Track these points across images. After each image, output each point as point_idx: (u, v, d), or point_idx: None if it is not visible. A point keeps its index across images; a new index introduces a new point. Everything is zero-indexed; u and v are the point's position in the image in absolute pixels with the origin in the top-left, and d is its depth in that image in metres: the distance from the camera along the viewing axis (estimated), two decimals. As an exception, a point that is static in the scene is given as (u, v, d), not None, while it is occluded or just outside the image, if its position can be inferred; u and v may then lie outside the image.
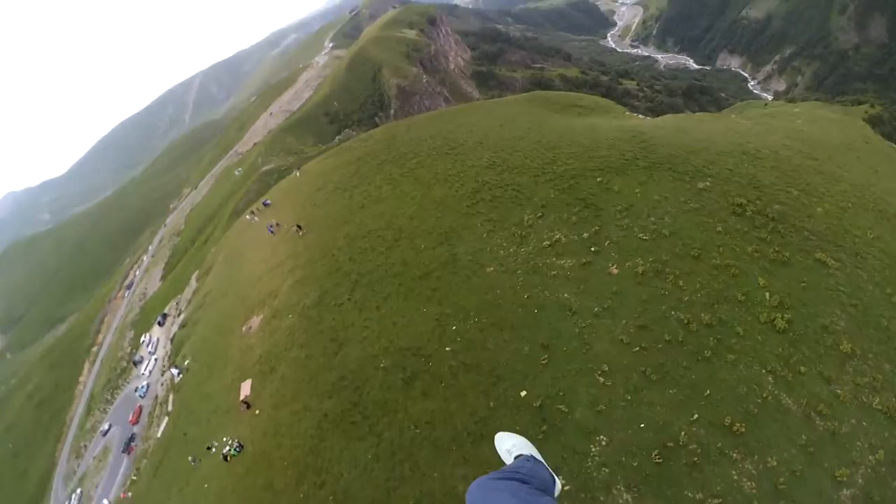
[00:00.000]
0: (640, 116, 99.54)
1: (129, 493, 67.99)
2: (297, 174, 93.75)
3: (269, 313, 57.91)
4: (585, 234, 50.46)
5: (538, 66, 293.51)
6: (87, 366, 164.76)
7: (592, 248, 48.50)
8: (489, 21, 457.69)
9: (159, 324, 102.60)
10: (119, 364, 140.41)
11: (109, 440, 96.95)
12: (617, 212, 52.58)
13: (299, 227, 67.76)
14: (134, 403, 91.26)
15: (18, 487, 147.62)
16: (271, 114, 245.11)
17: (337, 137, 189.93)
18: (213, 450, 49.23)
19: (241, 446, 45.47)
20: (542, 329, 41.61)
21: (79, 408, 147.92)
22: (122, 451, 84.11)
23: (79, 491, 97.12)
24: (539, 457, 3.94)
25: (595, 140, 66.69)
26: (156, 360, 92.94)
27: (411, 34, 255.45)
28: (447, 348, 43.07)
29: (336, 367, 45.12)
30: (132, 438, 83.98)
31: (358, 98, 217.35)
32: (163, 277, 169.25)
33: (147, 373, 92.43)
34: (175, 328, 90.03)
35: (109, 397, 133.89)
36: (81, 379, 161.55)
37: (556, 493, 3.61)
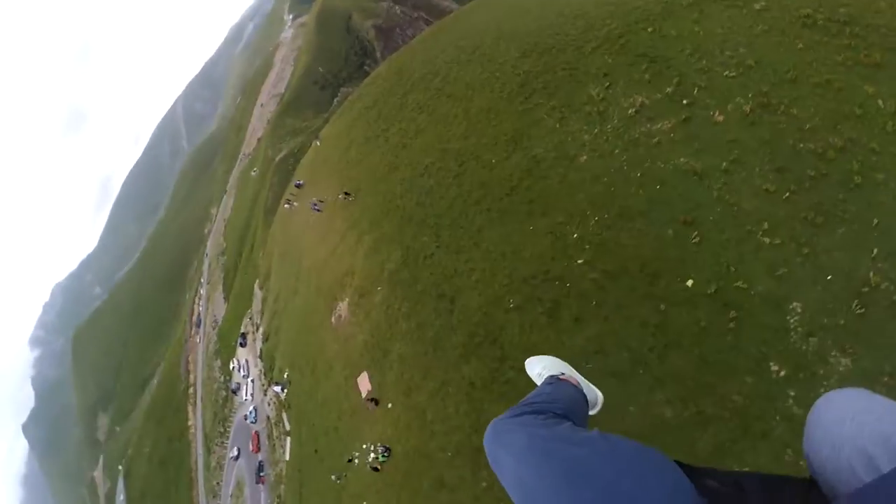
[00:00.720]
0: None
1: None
2: (318, 143, 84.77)
3: (353, 294, 49.96)
4: (668, 90, 40.69)
5: None
6: (189, 409, 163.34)
7: (684, 101, 38.89)
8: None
9: (241, 345, 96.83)
10: (219, 395, 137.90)
11: (240, 474, 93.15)
12: (688, 56, 42.53)
13: (347, 193, 58.81)
14: (249, 431, 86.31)
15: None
16: (262, 104, 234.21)
17: (335, 100, 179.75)
18: (356, 461, 42.07)
19: (387, 449, 38.06)
20: (676, 204, 32.77)
21: (198, 451, 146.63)
22: (256, 483, 79.34)
23: None
24: (570, 372, 3.59)
25: (622, -7, 56.54)
26: (252, 381, 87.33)
27: None
28: (579, 261, 34.28)
29: (459, 326, 36.88)
30: (261, 468, 79.04)
31: (339, 55, 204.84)
32: (226, 298, 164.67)
33: (249, 397, 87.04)
34: (259, 344, 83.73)
35: (222, 430, 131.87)
36: (190, 423, 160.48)
37: (596, 407, 3.43)
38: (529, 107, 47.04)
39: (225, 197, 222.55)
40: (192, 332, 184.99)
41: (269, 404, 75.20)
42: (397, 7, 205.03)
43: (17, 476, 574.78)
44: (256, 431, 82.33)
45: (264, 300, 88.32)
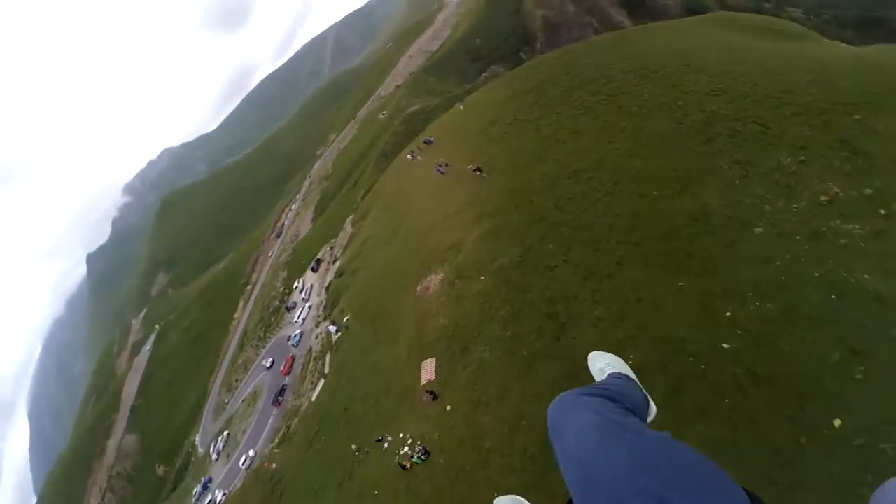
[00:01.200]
0: (843, 45, 76.76)
1: (276, 465, 59.30)
2: (461, 107, 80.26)
3: (451, 272, 45.00)
4: (868, 191, 33.75)
5: None
6: (241, 304, 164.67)
7: (882, 211, 32.04)
8: None
9: (313, 269, 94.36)
10: (272, 303, 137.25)
11: (261, 385, 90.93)
12: (894, 162, 35.38)
13: (479, 168, 53.76)
14: (286, 352, 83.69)
15: (171, 414, 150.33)
16: (410, 56, 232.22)
17: (483, 75, 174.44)
18: (387, 445, 37.37)
19: (426, 452, 33.14)
20: (847, 325, 26.15)
21: (232, 344, 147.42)
22: (272, 402, 76.58)
23: (226, 434, 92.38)
24: (633, 377, 3.44)
25: (825, 67, 48.95)
26: (309, 307, 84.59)
27: None
28: (725, 345, 27.95)
29: (560, 358, 31.31)
30: (282, 391, 76.22)
31: (500, 33, 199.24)
32: (313, 220, 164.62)
33: (300, 321, 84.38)
34: (331, 276, 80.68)
35: (262, 335, 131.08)
36: (236, 316, 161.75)
37: (651, 416, 3.18)
38: (710, 151, 40.81)
39: (346, 128, 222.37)
40: (271, 237, 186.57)
41: (316, 337, 71.89)
42: (571, 6, 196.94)
43: (65, 295, 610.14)
44: (293, 356, 79.54)
45: (352, 237, 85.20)
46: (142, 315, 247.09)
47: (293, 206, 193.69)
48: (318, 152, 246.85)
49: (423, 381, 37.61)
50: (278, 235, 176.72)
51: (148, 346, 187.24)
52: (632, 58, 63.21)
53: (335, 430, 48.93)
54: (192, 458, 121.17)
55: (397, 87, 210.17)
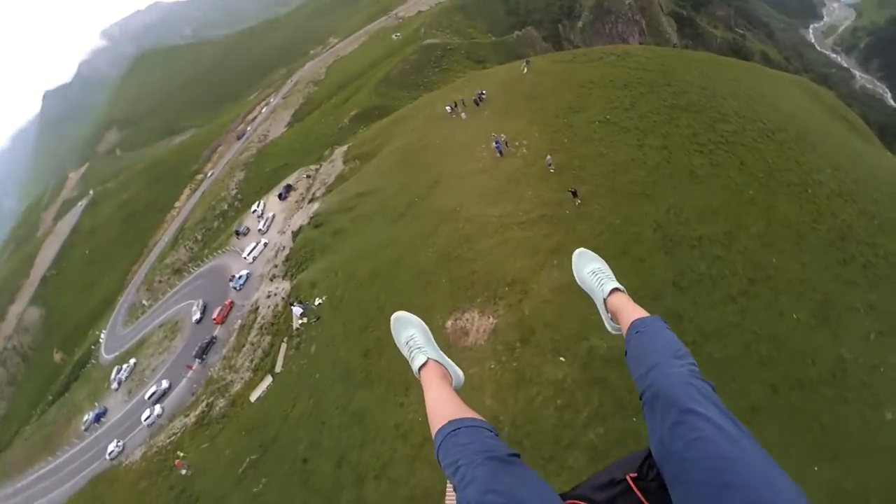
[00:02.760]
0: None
1: (186, 469, 42.63)
2: (525, 70, 61.68)
3: (510, 325, 27.85)
4: None
5: (740, 31, 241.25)
6: (186, 192, 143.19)
7: None
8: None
9: (280, 196, 74.46)
10: (219, 205, 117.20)
11: (182, 315, 72.63)
12: None
13: (575, 193, 35.07)
14: (223, 291, 65.34)
15: (82, 297, 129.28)
16: None
17: (515, 33, 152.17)
18: None
19: None
20: None
21: (165, 236, 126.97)
22: (193, 355, 58.69)
23: (132, 362, 74.35)
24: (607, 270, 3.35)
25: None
26: (265, 245, 65.57)
27: None
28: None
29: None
30: (209, 345, 58.28)
31: None
32: (289, 125, 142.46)
33: (250, 258, 65.27)
34: (303, 219, 61.32)
35: (200, 240, 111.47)
36: (177, 205, 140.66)
37: None
38: (847, 278, 28.98)
39: (353, 37, 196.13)
40: (238, 126, 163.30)
41: (268, 296, 53.51)
42: None
43: (12, 127, 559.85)
44: (232, 302, 61.22)
45: (341, 177, 65.94)
46: (82, 170, 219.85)
47: (271, 101, 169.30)
48: (313, 52, 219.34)
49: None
50: (242, 134, 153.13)
51: (78, 210, 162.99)
52: (740, 96, 49.33)
53: (284, 481, 32.13)
54: (92, 360, 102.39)
55: (420, 11, 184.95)
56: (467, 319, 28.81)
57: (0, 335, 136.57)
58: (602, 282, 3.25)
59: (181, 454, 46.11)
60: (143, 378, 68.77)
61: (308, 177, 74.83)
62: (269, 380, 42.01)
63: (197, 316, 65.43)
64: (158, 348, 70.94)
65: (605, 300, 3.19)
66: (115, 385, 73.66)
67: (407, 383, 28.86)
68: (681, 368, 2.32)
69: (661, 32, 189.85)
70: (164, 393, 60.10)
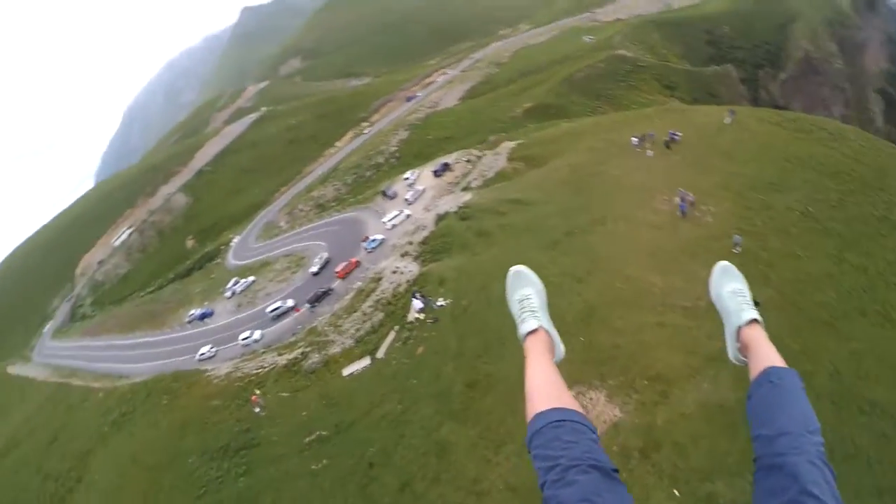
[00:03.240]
0: None
1: (260, 407, 41.82)
2: (727, 121, 55.18)
3: (638, 422, 24.06)
4: None
5: None
6: (349, 135, 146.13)
7: None
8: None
9: (435, 173, 72.66)
10: (375, 157, 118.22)
11: (309, 252, 73.29)
12: None
13: (756, 303, 30.08)
14: (352, 246, 64.74)
15: (229, 199, 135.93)
16: None
17: (713, 67, 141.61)
18: None
19: None
20: None
21: (318, 169, 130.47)
22: (307, 301, 58.38)
23: (251, 280, 76.18)
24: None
25: None
26: (407, 217, 63.98)
27: (843, 2, 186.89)
28: None
29: None
30: (324, 295, 57.76)
31: (752, 36, 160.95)
32: (462, 99, 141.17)
33: (390, 224, 63.94)
34: (450, 205, 58.91)
35: (349, 181, 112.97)
36: (338, 144, 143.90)
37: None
38: None
39: (544, 28, 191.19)
40: (413, 89, 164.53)
41: (394, 271, 51.73)
42: (839, 63, 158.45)
43: (206, 31, 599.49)
44: (358, 261, 60.32)
45: (501, 174, 62.81)
46: (261, 86, 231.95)
47: (449, 72, 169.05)
48: (502, 33, 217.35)
49: None
50: (412, 97, 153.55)
51: (247, 121, 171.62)
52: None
53: (344, 475, 30.05)
54: (218, 259, 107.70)
55: (618, 19, 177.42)
56: (589, 399, 24.89)
57: (145, 208, 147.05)
58: (742, 307, 2.99)
59: (258, 392, 45.68)
60: (256, 298, 70.21)
61: (468, 161, 72.45)
62: (366, 361, 40.07)
63: (314, 269, 65.32)
64: (279, 276, 72.12)
65: (739, 328, 2.89)
66: (228, 294, 76.05)
67: (502, 439, 25.77)
68: (811, 446, 2.21)
69: (866, 109, 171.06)
70: (286, 312, 60.45)
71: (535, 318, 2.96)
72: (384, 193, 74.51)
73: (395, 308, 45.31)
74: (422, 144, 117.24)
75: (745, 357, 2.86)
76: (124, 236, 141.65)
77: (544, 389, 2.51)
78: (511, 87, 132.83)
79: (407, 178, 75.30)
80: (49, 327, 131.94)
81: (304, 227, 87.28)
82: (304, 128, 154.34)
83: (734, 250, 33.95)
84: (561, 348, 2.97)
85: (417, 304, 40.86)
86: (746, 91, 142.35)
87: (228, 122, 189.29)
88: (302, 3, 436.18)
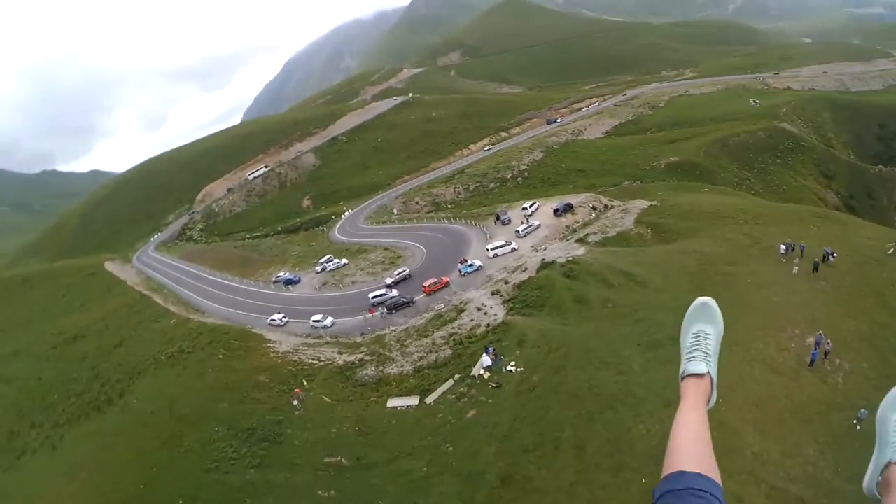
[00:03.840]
0: None
1: (299, 399, 39.36)
2: (891, 251, 46.33)
3: None
4: None
5: None
6: (485, 141, 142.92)
7: None
8: None
9: (555, 212, 67.34)
10: (504, 171, 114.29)
11: (410, 252, 71.05)
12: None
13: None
14: (446, 265, 61.21)
15: (353, 172, 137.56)
16: (825, 72, 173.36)
17: (879, 167, 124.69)
18: None
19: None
20: None
21: (445, 168, 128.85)
22: (386, 306, 55.63)
23: (343, 261, 75.15)
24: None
25: None
26: (512, 251, 59.43)
27: None
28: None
29: None
30: (404, 305, 54.85)
31: None
32: (607, 133, 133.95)
33: (492, 253, 59.62)
34: (561, 252, 53.81)
35: (471, 188, 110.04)
36: (472, 147, 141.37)
37: None
38: None
39: (707, 80, 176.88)
40: (557, 111, 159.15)
41: (479, 308, 47.59)
42: None
43: (378, 8, 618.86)
44: (448, 281, 56.71)
45: (623, 236, 56.58)
46: (416, 71, 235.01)
47: (602, 103, 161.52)
48: (665, 73, 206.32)
49: None
50: (552, 121, 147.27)
51: (392, 102, 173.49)
52: None
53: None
54: (324, 228, 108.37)
55: (789, 88, 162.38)
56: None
57: (277, 158, 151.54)
58: None
59: (306, 384, 43.46)
60: (342, 283, 68.80)
61: (594, 207, 66.87)
62: (414, 401, 36.64)
63: (389, 280, 62.62)
64: (371, 268, 70.45)
65: (889, 464, 2.53)
66: (319, 269, 75.60)
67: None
68: None
69: None
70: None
71: (706, 361, 2.75)
72: (498, 217, 70.49)
73: (464, 351, 41.39)
74: (553, 171, 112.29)
75: (881, 495, 2.49)
76: (252, 176, 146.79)
77: (694, 447, 2.33)
78: (660, 134, 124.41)
79: (525, 209, 70.62)
80: (156, 238, 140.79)
81: (412, 224, 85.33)
82: (443, 122, 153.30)
83: (855, 425, 27.43)
84: (714, 398, 2.72)
85: (487, 360, 36.61)
86: None
87: (376, 97, 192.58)
88: (476, 0, 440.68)
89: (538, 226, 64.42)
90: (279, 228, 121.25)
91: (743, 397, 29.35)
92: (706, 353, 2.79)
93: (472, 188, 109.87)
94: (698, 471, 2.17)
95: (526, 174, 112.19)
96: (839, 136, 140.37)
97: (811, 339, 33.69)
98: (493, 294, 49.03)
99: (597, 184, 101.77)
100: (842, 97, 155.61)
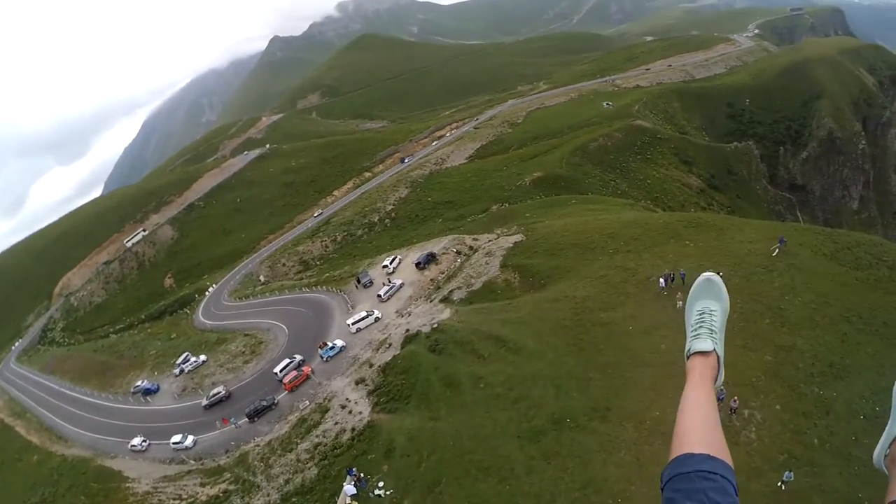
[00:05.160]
0: None
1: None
2: (775, 252, 45.19)
3: None
4: None
5: None
6: (349, 185, 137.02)
7: None
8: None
9: (417, 265, 62.16)
10: (370, 216, 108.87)
11: (267, 338, 63.97)
12: None
13: None
14: (309, 349, 54.54)
15: (214, 240, 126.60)
16: (670, 65, 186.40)
17: (734, 144, 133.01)
18: None
19: None
20: None
21: (311, 221, 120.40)
22: (246, 413, 48.48)
23: (202, 358, 67.65)
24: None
25: None
26: (375, 320, 53.96)
27: (868, 80, 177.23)
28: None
29: None
30: (266, 410, 48.01)
31: (774, 112, 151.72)
32: (470, 158, 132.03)
33: (353, 328, 53.58)
34: (424, 319, 48.82)
35: (338, 239, 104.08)
36: (336, 193, 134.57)
37: None
38: None
39: (561, 89, 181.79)
40: (423, 140, 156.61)
41: (344, 405, 41.73)
42: (863, 142, 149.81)
43: (234, 56, 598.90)
44: (311, 371, 50.24)
45: (490, 286, 52.43)
46: (275, 118, 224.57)
47: (463, 128, 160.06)
48: (520, 88, 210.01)
49: None
50: (406, 158, 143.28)
51: (249, 157, 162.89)
52: None
53: None
54: (188, 311, 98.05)
55: (638, 86, 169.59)
56: None
57: (132, 233, 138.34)
58: None
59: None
60: (202, 386, 60.66)
61: (458, 252, 62.35)
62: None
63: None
64: (231, 363, 62.56)
65: None
66: (176, 371, 67.20)
67: None
68: None
69: (887, 191, 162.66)
70: (220, 401, 54.26)
71: (711, 338, 2.71)
72: (358, 280, 64.33)
73: (330, 470, 35.49)
74: (420, 206, 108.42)
75: (888, 471, 2.46)
76: (104, 262, 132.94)
77: (702, 428, 2.29)
78: (522, 150, 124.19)
79: (386, 266, 64.93)
80: (17, 346, 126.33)
81: (274, 297, 77.79)
82: (304, 171, 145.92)
83: (780, 487, 24.42)
84: (722, 377, 2.70)
85: (350, 489, 30.88)
86: (766, 169, 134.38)
87: (236, 151, 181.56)
88: (328, 40, 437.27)
89: (401, 285, 59.05)
90: (143, 317, 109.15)
91: (647, 488, 25.44)
92: (712, 331, 2.70)
93: (339, 239, 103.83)
94: (708, 452, 2.09)
95: (393, 215, 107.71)
96: (692, 122, 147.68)
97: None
98: (357, 384, 43.25)
99: (465, 213, 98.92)
100: (689, 86, 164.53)
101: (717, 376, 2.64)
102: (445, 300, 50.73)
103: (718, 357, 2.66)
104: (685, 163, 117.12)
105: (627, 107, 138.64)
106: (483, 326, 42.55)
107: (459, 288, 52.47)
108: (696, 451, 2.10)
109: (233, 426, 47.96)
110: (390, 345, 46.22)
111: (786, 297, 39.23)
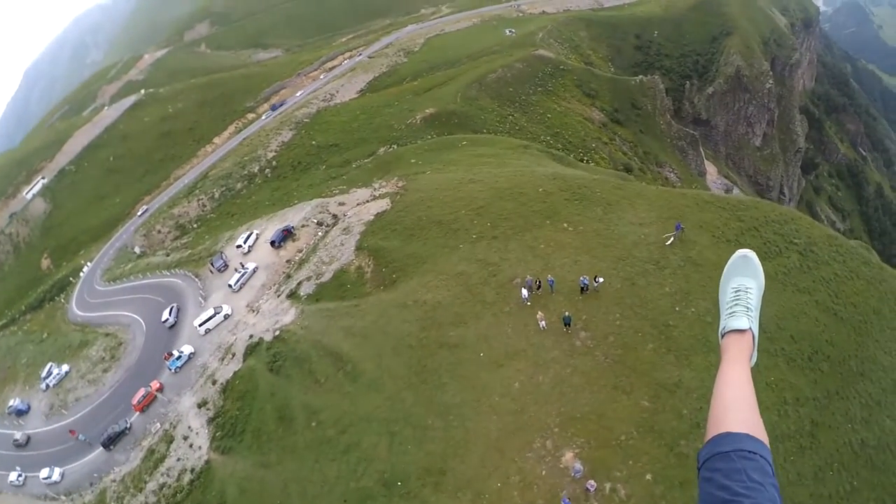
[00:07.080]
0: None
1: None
2: (670, 242, 39.63)
3: None
4: None
5: (862, 153, 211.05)
6: (230, 129, 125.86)
7: None
8: (842, 58, 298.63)
9: (273, 244, 56.49)
10: (249, 165, 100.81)
11: (127, 336, 58.99)
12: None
13: None
14: (155, 368, 49.97)
15: (89, 209, 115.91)
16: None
17: (640, 77, 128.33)
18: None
19: None
20: None
21: (187, 177, 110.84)
22: (101, 442, 44.77)
23: (65, 369, 62.48)
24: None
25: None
26: (225, 317, 49.67)
27: (781, 21, 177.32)
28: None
29: None
30: (119, 435, 44.42)
31: (682, 45, 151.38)
32: (361, 92, 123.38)
33: (203, 329, 49.16)
34: (267, 323, 44.97)
35: (216, 195, 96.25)
36: (216, 140, 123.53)
37: None
38: None
39: (464, 13, 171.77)
40: (313, 74, 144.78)
41: (186, 437, 38.41)
42: (770, 81, 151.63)
43: None
44: (161, 387, 46.29)
45: (345, 278, 47.76)
46: (158, 54, 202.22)
47: (356, 57, 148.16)
48: (424, 11, 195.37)
49: None
50: (278, 105, 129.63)
51: (123, 105, 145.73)
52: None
53: None
54: (63, 300, 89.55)
55: (544, 12, 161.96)
56: None
57: (5, 211, 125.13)
58: None
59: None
60: (67, 403, 55.78)
61: (318, 224, 57.46)
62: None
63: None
64: (92, 373, 57.54)
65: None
66: (43, 386, 61.46)
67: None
68: None
69: (790, 130, 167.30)
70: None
71: (748, 316, 2.64)
72: (212, 265, 58.91)
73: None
74: (304, 152, 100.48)
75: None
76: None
77: (740, 406, 2.27)
78: (416, 83, 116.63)
79: (240, 246, 59.28)
80: None
81: (137, 282, 71.54)
82: (182, 117, 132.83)
83: None
84: (755, 356, 2.66)
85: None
86: (671, 104, 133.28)
87: (115, 98, 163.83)
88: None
89: (254, 270, 54.32)
90: (23, 308, 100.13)
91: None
92: (748, 308, 2.64)
93: (217, 195, 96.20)
94: (746, 431, 2.08)
95: (274, 163, 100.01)
96: (598, 52, 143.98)
97: (573, 465, 25.46)
98: (199, 406, 40.07)
99: (350, 158, 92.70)
100: (597, 14, 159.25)
101: (752, 355, 2.56)
102: (293, 295, 46.75)
103: (754, 336, 2.58)
104: (588, 95, 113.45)
105: (531, 35, 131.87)
106: (325, 338, 39.08)
107: (309, 279, 48.17)
108: (735, 430, 2.06)
109: (80, 440, 44.73)
110: (234, 354, 42.97)
111: (676, 309, 33.93)
